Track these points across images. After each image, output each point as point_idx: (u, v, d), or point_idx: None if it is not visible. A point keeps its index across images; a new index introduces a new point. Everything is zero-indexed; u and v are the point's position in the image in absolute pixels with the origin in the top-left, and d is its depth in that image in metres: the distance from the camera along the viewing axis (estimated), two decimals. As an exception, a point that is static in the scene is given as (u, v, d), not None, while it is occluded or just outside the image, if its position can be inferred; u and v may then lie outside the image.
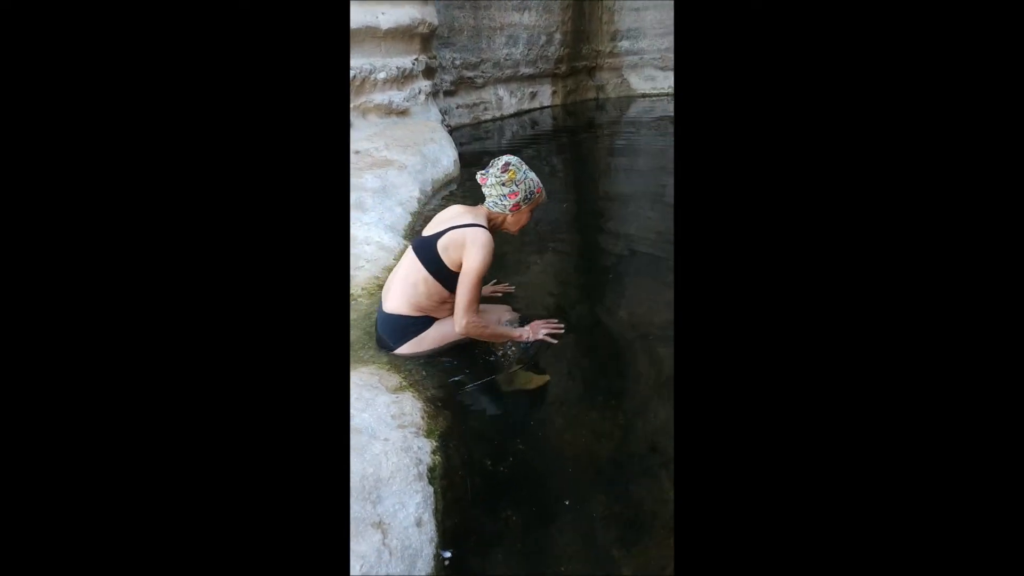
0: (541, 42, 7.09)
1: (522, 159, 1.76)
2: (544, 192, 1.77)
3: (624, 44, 7.76)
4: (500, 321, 1.80)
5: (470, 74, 6.65)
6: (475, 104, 6.76)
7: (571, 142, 5.78)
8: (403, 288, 1.65)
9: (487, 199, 1.70)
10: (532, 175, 1.74)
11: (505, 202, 1.68)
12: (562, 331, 1.85)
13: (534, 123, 6.78)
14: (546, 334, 1.80)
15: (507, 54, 6.91)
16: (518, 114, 7.14)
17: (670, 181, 4.22)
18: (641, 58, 7.80)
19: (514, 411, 1.63)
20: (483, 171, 1.70)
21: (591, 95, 7.95)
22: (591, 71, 8.02)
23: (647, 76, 7.76)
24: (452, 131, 5.47)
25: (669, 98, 7.40)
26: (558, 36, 7.19)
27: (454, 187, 3.95)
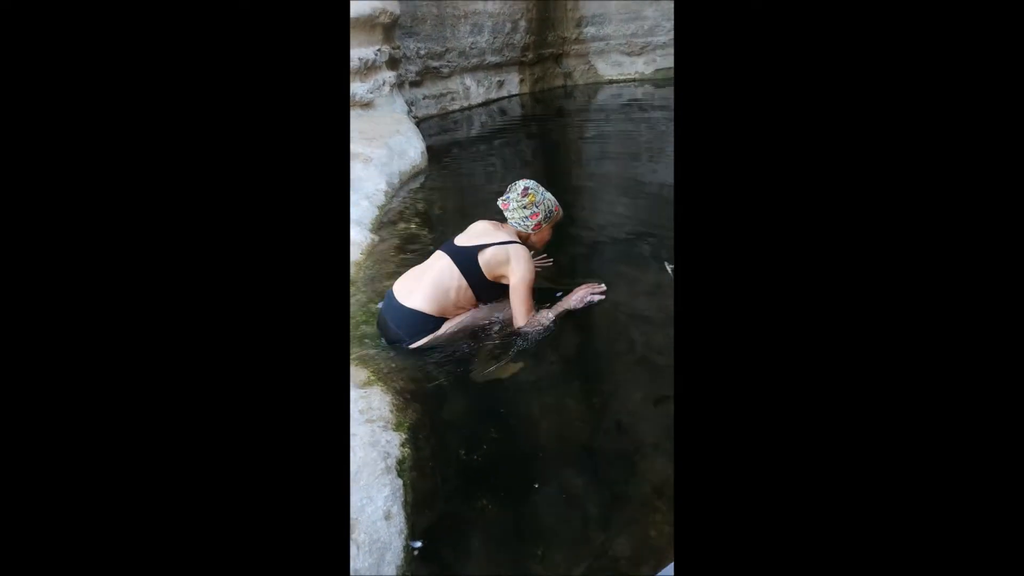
0: (506, 30, 7.03)
1: (538, 183, 1.90)
2: (561, 210, 1.94)
3: (590, 30, 7.74)
4: (546, 308, 1.90)
5: (435, 64, 6.56)
6: (442, 94, 6.68)
7: (541, 130, 5.76)
8: (434, 292, 1.72)
9: (510, 221, 1.85)
10: (549, 195, 1.89)
11: (528, 223, 1.84)
12: (605, 290, 1.97)
13: (503, 112, 6.74)
14: (593, 294, 1.95)
15: (472, 43, 6.83)
16: (486, 103, 7.08)
17: (642, 167, 4.24)
18: (607, 44, 7.79)
19: (487, 400, 1.62)
20: (503, 197, 1.85)
21: (559, 82, 7.93)
22: (558, 58, 7.99)
23: (614, 62, 7.76)
24: (419, 122, 5.40)
25: (636, 83, 7.42)
26: (523, 23, 7.13)
27: (422, 179, 3.90)
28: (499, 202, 1.87)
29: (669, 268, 2.19)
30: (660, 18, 7.24)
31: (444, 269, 1.74)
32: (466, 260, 1.73)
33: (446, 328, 1.73)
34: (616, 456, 1.44)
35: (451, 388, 1.63)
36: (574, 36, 7.82)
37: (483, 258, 1.74)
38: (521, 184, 1.85)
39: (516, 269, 1.73)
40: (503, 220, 1.90)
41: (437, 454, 1.38)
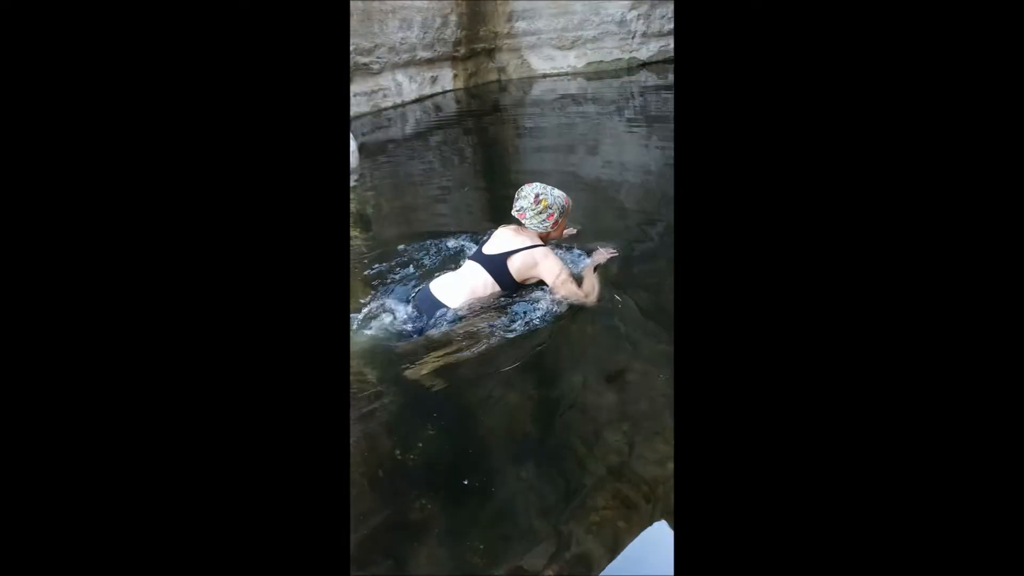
0: (436, 24, 6.91)
1: (545, 183, 2.04)
2: (570, 200, 2.07)
3: (521, 25, 7.74)
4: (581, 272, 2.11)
5: (364, 60, 6.36)
6: (373, 91, 6.49)
7: (477, 126, 5.70)
8: (470, 296, 1.89)
9: (529, 225, 2.00)
10: (557, 192, 2.03)
11: (546, 224, 1.99)
12: (616, 252, 2.26)
13: (437, 108, 6.63)
14: (608, 255, 2.23)
15: (402, 38, 6.67)
16: (420, 99, 6.94)
17: (579, 160, 4.28)
18: (539, 38, 7.83)
19: (423, 399, 1.58)
20: (517, 208, 1.99)
21: (493, 77, 7.89)
22: (491, 53, 7.94)
23: (547, 56, 7.80)
24: (351, 121, 5.21)
25: (570, 77, 7.50)
26: (453, 18, 7.03)
27: (355, 179, 3.77)
28: (514, 213, 2.01)
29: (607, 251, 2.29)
30: (588, 12, 7.34)
31: (478, 276, 1.91)
32: (497, 267, 1.91)
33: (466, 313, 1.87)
34: (560, 447, 1.43)
35: (381, 390, 1.58)
36: (506, 31, 7.80)
37: (512, 265, 1.91)
38: (531, 192, 1.98)
39: (550, 270, 1.92)
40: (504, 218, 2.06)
41: (366, 459, 1.32)
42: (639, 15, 7.29)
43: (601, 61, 7.57)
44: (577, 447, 1.43)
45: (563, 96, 6.70)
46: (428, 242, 2.56)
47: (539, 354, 1.80)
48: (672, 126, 4.90)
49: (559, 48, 7.65)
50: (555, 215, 1.99)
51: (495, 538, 1.18)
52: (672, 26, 7.43)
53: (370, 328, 1.87)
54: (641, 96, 6.44)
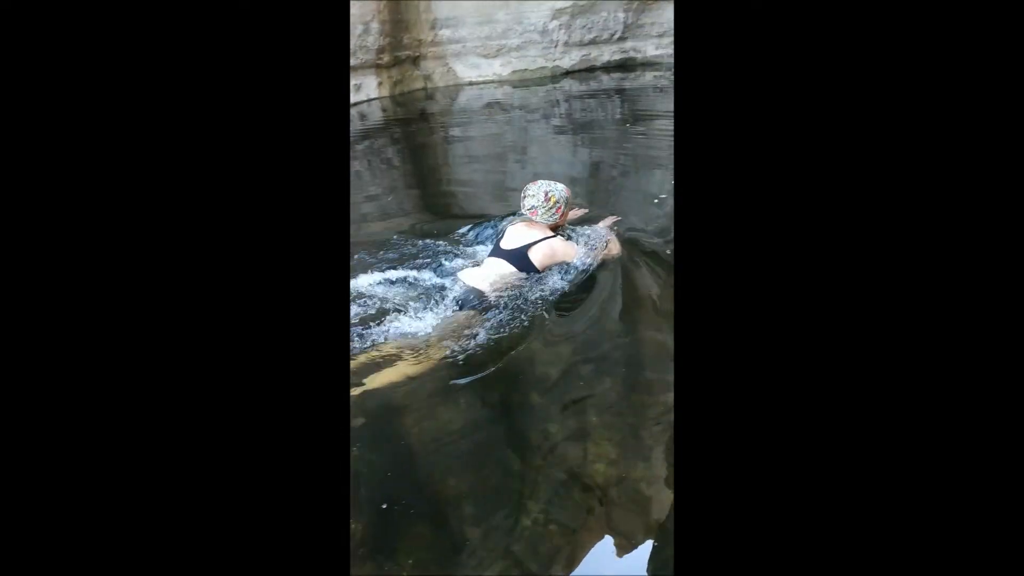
0: (358, 32, 6.77)
1: (541, 180, 2.29)
2: (569, 190, 2.33)
3: (445, 32, 7.74)
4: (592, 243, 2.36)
5: (284, 67, 6.11)
6: (294, 99, 6.24)
7: (404, 134, 5.63)
8: (498, 284, 2.10)
9: (541, 220, 2.23)
10: (560, 186, 2.28)
11: (555, 216, 2.26)
12: (619, 219, 2.64)
13: (363, 116, 6.49)
14: (613, 220, 2.61)
15: (323, 44, 6.46)
16: (344, 108, 6.76)
17: (509, 168, 4.33)
18: (464, 46, 7.85)
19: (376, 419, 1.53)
20: (528, 207, 2.22)
21: (418, 85, 7.82)
22: (416, 60, 7.87)
23: (472, 64, 7.84)
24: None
25: (496, 85, 7.57)
26: (375, 25, 6.92)
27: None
28: (525, 212, 2.25)
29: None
30: (511, 22, 7.45)
31: (504, 268, 2.13)
32: (519, 259, 2.15)
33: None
34: (487, 451, 1.43)
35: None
36: (430, 38, 7.76)
37: (534, 256, 2.16)
38: (539, 191, 2.22)
39: (567, 254, 2.22)
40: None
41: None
42: (560, 25, 7.48)
43: (526, 69, 7.70)
44: (502, 450, 1.44)
45: (490, 104, 6.76)
46: (359, 255, 2.49)
47: (495, 373, 1.79)
48: (597, 133, 5.08)
49: (484, 56, 7.71)
50: (562, 207, 2.27)
51: (416, 552, 1.17)
52: (592, 36, 7.69)
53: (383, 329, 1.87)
54: (566, 103, 6.61)
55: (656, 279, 2.29)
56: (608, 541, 1.21)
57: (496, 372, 1.77)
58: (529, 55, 7.67)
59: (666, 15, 7.74)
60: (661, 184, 3.40)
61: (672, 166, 4.09)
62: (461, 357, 1.78)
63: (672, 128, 5.08)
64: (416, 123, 6.12)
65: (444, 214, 3.25)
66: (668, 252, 2.42)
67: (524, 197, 2.24)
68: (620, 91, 6.93)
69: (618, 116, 5.89)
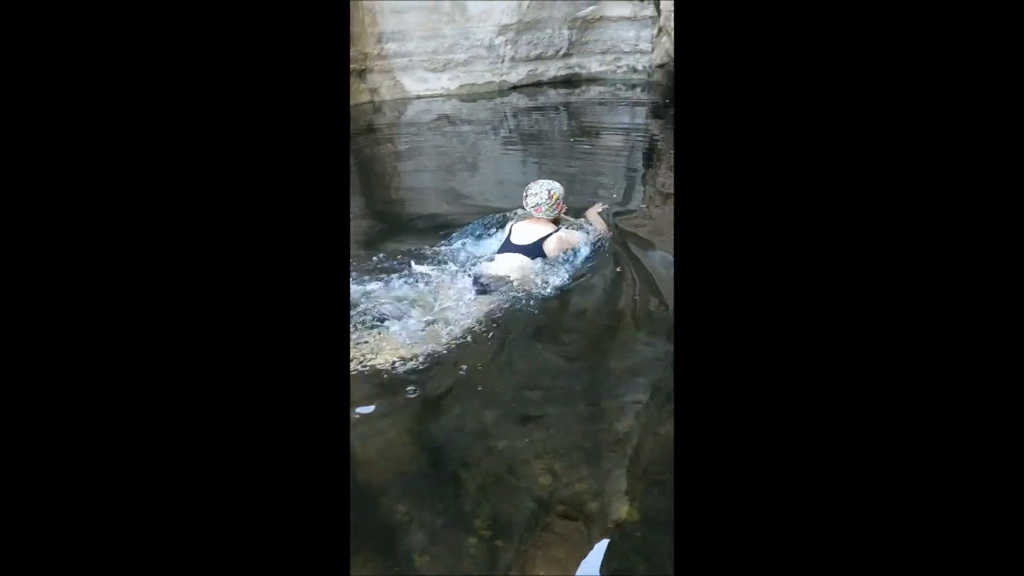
0: (301, 43, 6.64)
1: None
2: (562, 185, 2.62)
3: (391, 47, 7.70)
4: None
5: (222, 78, 5.90)
6: (234, 112, 6.03)
7: (353, 146, 5.54)
8: (520, 273, 2.34)
9: (544, 216, 2.52)
10: (556, 183, 2.57)
11: (555, 211, 2.56)
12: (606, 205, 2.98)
13: (308, 129, 6.33)
14: (602, 207, 2.92)
15: (264, 56, 6.29)
16: (288, 121, 6.58)
17: (458, 180, 4.32)
18: (410, 60, 7.83)
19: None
20: (533, 205, 2.50)
21: (366, 98, 7.74)
22: (362, 74, 7.79)
23: (419, 78, 7.83)
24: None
25: (443, 99, 7.58)
26: (319, 37, 6.80)
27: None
28: (530, 209, 2.52)
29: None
30: (458, 37, 7.50)
31: (522, 259, 2.39)
32: (533, 251, 2.43)
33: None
34: (437, 474, 1.40)
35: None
36: (376, 52, 7.71)
37: (548, 247, 2.44)
38: (542, 190, 2.49)
39: (571, 241, 2.53)
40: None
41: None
42: (506, 40, 7.59)
43: (474, 83, 7.75)
44: (456, 478, 1.41)
45: (438, 117, 6.75)
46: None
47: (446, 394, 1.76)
48: (545, 145, 5.16)
49: (431, 70, 7.72)
50: (561, 203, 2.57)
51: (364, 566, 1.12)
52: (537, 51, 7.84)
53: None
54: (514, 117, 6.70)
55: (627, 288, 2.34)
56: (561, 553, 1.20)
57: (447, 388, 1.74)
58: (476, 69, 7.73)
59: (608, 33, 8.00)
60: (607, 195, 3.47)
61: (616, 177, 4.20)
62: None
63: (619, 142, 5.25)
64: (364, 136, 6.03)
65: (394, 219, 3.21)
66: (617, 270, 2.48)
67: (527, 196, 2.52)
68: (566, 105, 7.08)
69: (565, 129, 6.01)
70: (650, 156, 4.87)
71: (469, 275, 2.30)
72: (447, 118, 6.70)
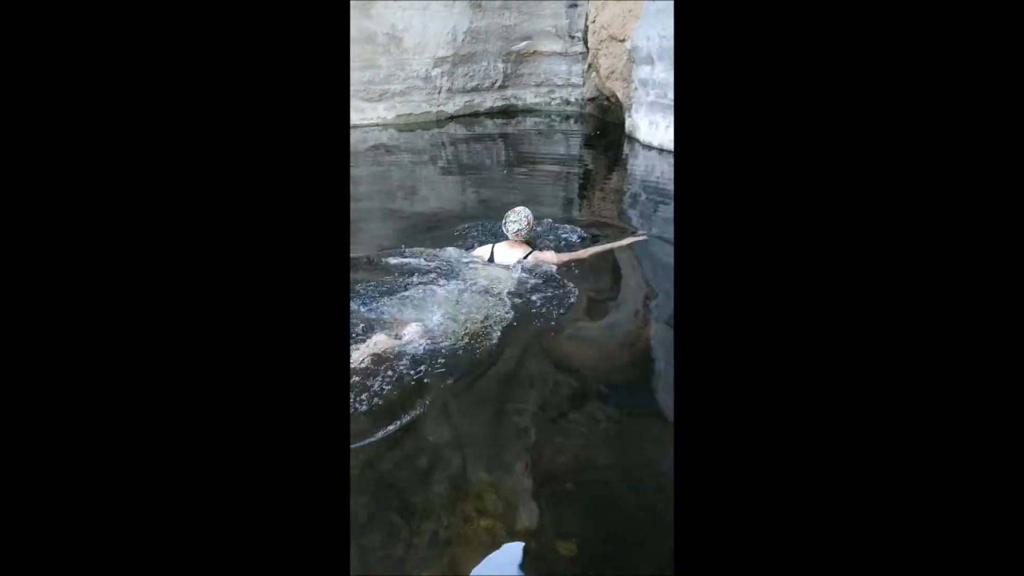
0: (230, 72, 6.47)
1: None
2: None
3: (325, 77, 7.64)
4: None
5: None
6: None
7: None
8: (499, 285, 2.58)
9: (520, 237, 2.85)
10: (526, 209, 2.89)
11: (531, 233, 2.92)
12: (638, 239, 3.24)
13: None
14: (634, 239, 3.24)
15: (189, 84, 6.07)
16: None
17: (398, 203, 4.28)
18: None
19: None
20: (516, 229, 2.82)
21: (300, 128, 7.60)
22: (295, 104, 7.66)
23: (356, 108, 7.79)
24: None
25: (380, 128, 7.56)
26: (249, 66, 6.66)
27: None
28: (512, 236, 2.83)
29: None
30: (393, 67, 7.55)
31: (502, 275, 2.68)
32: (515, 268, 2.76)
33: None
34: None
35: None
36: (309, 82, 7.61)
37: (526, 265, 2.78)
38: (522, 217, 2.81)
39: (548, 259, 2.84)
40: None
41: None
42: (442, 72, 7.72)
43: (411, 114, 7.79)
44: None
45: (375, 146, 6.72)
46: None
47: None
48: (484, 174, 5.22)
49: (367, 100, 7.70)
50: (535, 226, 2.95)
51: None
52: (474, 83, 8.00)
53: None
54: (452, 146, 6.76)
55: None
56: (482, 549, 1.17)
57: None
58: (413, 100, 7.79)
59: (542, 67, 8.30)
60: (546, 217, 3.54)
61: (554, 202, 4.30)
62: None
63: (556, 168, 5.39)
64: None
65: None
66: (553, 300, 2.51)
67: (508, 223, 2.82)
68: (504, 135, 7.24)
69: (503, 158, 6.12)
70: (585, 183, 5.03)
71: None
72: (384, 147, 6.67)
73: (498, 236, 3.00)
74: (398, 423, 1.64)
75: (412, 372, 1.86)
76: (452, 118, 7.92)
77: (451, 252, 2.91)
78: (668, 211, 3.75)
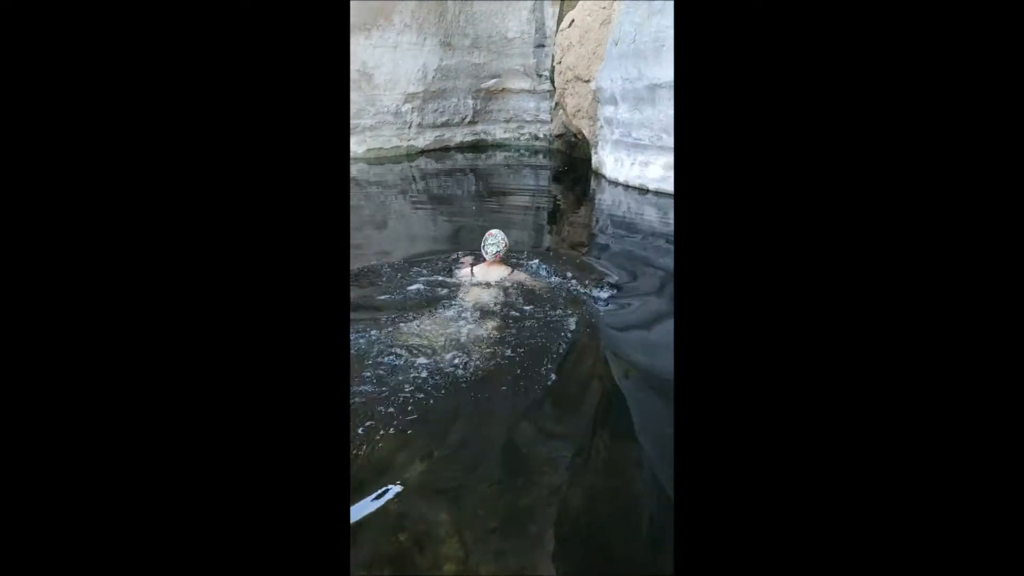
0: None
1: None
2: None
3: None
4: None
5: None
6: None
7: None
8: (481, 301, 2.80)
9: (499, 255, 3.04)
10: (501, 231, 3.09)
11: (505, 250, 3.10)
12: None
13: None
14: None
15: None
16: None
17: (366, 233, 4.27)
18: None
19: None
20: (495, 251, 3.01)
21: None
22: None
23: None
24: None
25: (351, 161, 7.60)
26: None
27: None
28: (491, 256, 3.02)
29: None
30: (364, 103, 7.65)
31: (484, 293, 2.88)
32: (496, 285, 2.99)
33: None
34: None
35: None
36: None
37: (504, 284, 2.96)
38: (500, 239, 3.02)
39: (525, 279, 3.07)
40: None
41: None
42: (412, 108, 7.86)
43: (381, 148, 7.87)
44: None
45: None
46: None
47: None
48: (456, 206, 5.28)
49: (338, 134, 7.75)
50: (507, 246, 3.17)
51: None
52: (444, 119, 8.17)
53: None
54: (423, 180, 6.83)
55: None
56: None
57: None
58: (384, 135, 7.88)
59: (511, 103, 8.56)
60: (520, 244, 3.61)
61: (524, 230, 4.38)
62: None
63: (525, 201, 5.50)
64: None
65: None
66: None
67: (488, 245, 3.01)
68: (474, 169, 7.37)
69: (473, 190, 6.22)
70: (554, 214, 5.15)
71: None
72: (354, 180, 6.69)
73: (476, 258, 3.13)
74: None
75: (419, 396, 1.84)
76: (422, 152, 8.03)
77: (435, 277, 3.07)
78: (632, 243, 3.86)
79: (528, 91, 8.44)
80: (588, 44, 6.00)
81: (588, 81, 5.99)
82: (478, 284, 3.01)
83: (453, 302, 2.74)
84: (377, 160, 7.72)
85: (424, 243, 3.99)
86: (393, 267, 3.26)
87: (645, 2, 4.65)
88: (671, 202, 4.43)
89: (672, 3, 4.15)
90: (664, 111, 4.66)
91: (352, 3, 6.96)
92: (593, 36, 5.95)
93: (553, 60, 7.20)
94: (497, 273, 3.06)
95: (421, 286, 2.93)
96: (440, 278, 3.05)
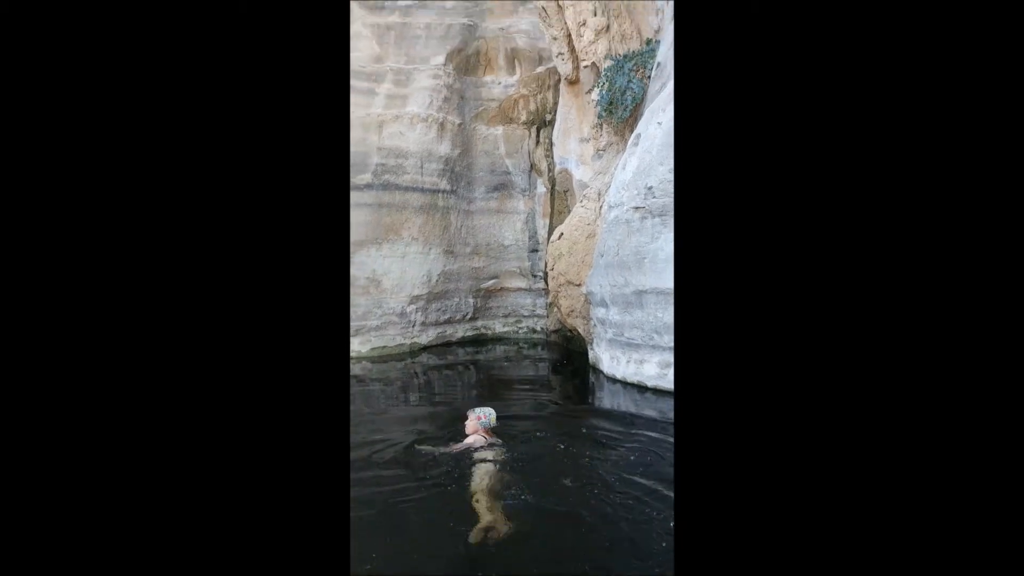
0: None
1: None
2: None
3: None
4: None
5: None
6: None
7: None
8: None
9: (478, 425, 3.50)
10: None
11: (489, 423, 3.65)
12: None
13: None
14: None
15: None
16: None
17: (368, 432, 4.22)
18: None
19: None
20: (483, 423, 3.47)
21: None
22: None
23: (332, 340, 8.19)
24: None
25: (354, 360, 7.82)
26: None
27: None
28: (482, 427, 3.49)
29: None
30: (371, 305, 8.17)
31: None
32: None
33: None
34: None
35: None
36: (290, 318, 8.08)
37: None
38: (490, 412, 3.60)
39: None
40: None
41: None
42: (417, 308, 8.36)
43: (384, 346, 8.16)
44: None
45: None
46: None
47: None
48: (450, 394, 5.29)
49: (344, 334, 8.12)
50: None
51: None
52: (446, 316, 8.63)
53: None
54: (425, 375, 6.96)
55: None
56: None
57: None
58: (388, 334, 8.25)
59: (508, 300, 9.15)
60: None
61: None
62: None
63: (526, 388, 5.52)
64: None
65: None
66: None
67: (474, 419, 3.51)
68: (474, 362, 7.55)
69: (473, 382, 6.30)
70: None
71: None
72: (356, 378, 6.81)
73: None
74: None
75: None
76: (424, 348, 8.31)
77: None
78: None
79: (525, 289, 9.09)
80: (577, 254, 6.65)
81: (579, 285, 6.49)
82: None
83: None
84: (380, 358, 7.95)
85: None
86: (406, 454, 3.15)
87: (623, 224, 5.28)
88: (671, 401, 4.47)
89: (647, 228, 4.71)
90: (653, 313, 4.97)
91: (365, 220, 7.89)
92: (581, 247, 6.63)
93: (546, 266, 7.90)
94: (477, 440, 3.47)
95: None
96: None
